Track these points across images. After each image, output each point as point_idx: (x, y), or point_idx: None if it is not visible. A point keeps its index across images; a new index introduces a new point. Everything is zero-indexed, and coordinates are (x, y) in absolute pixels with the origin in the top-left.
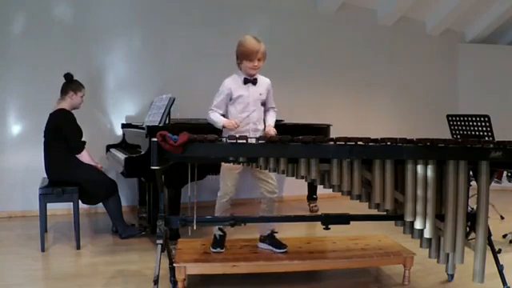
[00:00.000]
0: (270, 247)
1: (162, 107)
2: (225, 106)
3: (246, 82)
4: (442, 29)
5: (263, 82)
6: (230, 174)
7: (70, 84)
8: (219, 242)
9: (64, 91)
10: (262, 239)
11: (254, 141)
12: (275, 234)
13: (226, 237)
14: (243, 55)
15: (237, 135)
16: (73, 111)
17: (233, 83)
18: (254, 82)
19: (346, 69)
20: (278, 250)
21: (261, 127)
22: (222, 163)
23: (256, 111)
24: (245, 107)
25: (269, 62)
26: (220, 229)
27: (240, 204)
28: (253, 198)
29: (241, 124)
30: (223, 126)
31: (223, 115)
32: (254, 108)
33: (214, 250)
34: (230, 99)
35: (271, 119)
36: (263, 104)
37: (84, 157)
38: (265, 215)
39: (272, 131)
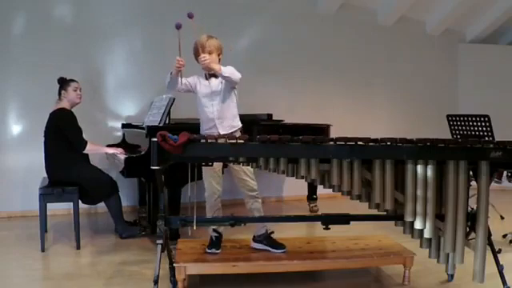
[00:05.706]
0: (268, 248)
1: (161, 107)
2: (187, 82)
3: (209, 76)
4: (442, 29)
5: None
6: (210, 173)
7: (61, 85)
8: (215, 243)
9: (59, 94)
10: (257, 240)
11: (253, 141)
12: (272, 235)
13: (221, 238)
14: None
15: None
16: (75, 109)
17: (196, 79)
18: (213, 75)
19: (346, 69)
20: (277, 251)
21: (227, 122)
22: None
23: (217, 105)
24: (207, 101)
25: (269, 62)
26: (215, 230)
27: (240, 204)
28: None
29: (205, 119)
30: (170, 73)
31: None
32: (216, 101)
33: (209, 251)
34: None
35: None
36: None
37: (91, 150)
38: (256, 215)
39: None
